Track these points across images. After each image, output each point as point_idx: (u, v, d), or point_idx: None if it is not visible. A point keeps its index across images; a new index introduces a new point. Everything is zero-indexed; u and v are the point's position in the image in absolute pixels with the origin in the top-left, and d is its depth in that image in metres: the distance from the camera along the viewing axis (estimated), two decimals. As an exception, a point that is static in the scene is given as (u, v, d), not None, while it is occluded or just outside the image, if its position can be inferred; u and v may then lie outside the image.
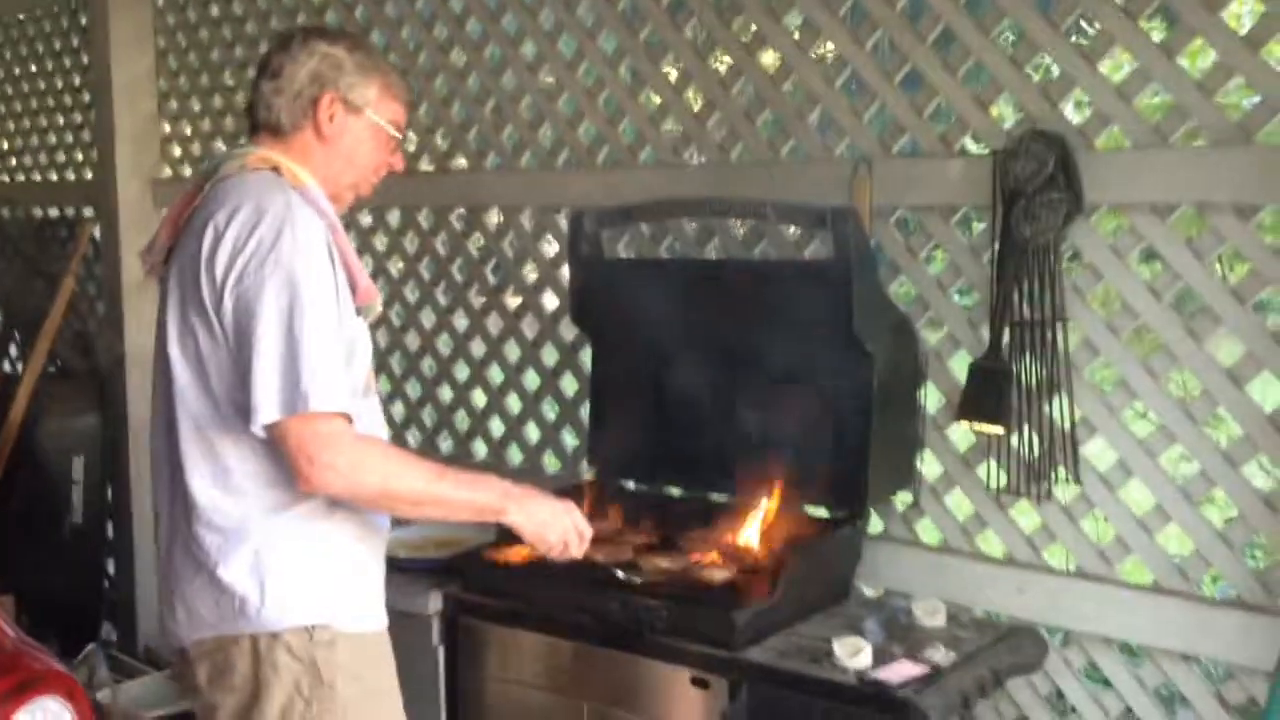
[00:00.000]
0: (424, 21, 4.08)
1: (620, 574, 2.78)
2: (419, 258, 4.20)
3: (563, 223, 3.66)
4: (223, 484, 2.26)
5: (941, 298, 3.01)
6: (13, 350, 5.78)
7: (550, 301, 3.88)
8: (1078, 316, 2.79)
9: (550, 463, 3.92)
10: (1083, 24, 3.04)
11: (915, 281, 3.06)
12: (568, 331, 3.76)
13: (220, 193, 2.28)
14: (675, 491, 3.33)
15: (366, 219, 4.30)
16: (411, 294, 4.25)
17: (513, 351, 3.99)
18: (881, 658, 2.53)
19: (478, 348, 4.08)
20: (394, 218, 4.26)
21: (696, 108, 3.48)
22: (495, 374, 4.05)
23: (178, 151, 5.05)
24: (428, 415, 4.26)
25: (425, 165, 4.14)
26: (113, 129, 4.97)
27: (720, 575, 2.79)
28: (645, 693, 2.74)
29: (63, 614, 4.79)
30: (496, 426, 4.06)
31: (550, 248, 3.89)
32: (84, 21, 5.28)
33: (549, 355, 3.89)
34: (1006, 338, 2.81)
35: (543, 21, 3.76)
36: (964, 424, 2.91)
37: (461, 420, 4.19)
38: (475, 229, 4.05)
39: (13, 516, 4.84)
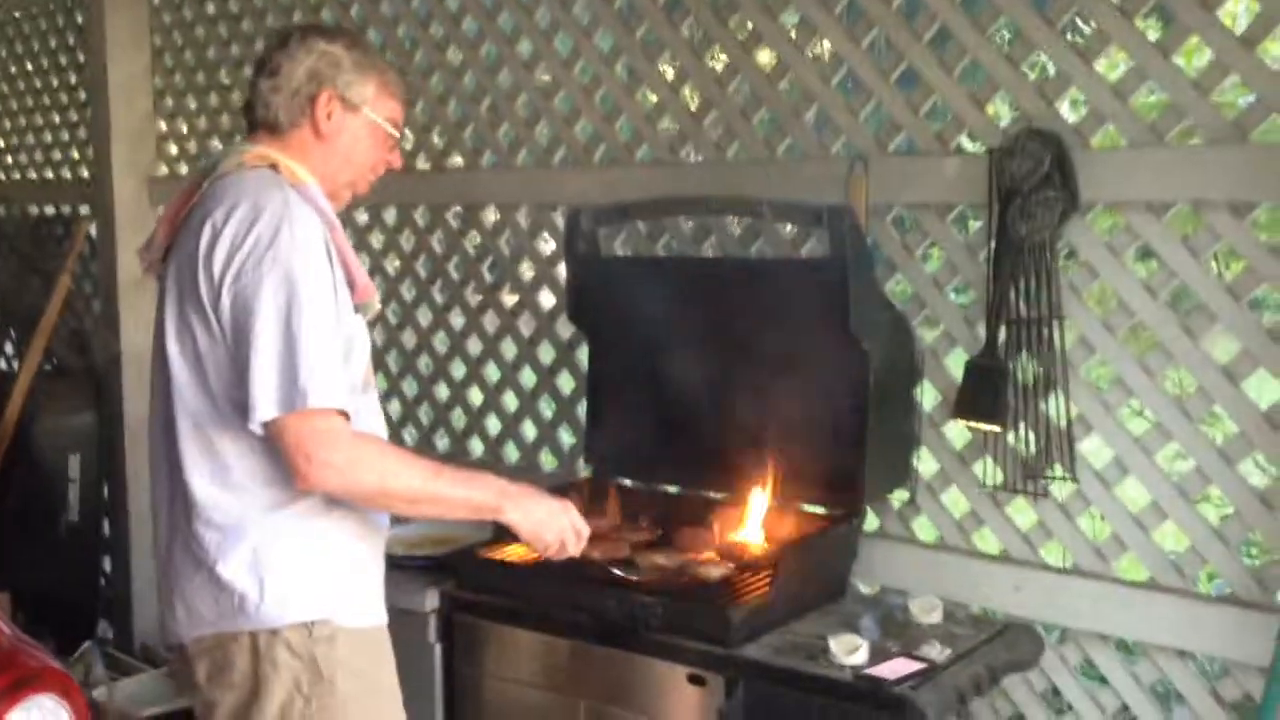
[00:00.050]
0: (420, 20, 4.08)
1: (617, 571, 2.78)
2: (415, 256, 4.20)
3: (559, 221, 3.66)
4: (221, 481, 2.26)
5: (938, 296, 3.02)
6: (9, 348, 5.78)
7: (547, 299, 3.88)
8: (1074, 314, 2.79)
9: (547, 460, 3.92)
10: (1078, 22, 3.04)
11: (911, 279, 3.07)
12: (564, 329, 3.76)
13: (218, 190, 2.28)
14: (672, 489, 3.34)
15: (363, 217, 4.30)
16: (408, 292, 4.25)
17: (509, 349, 3.99)
18: (877, 655, 2.53)
19: (474, 346, 4.08)
20: (390, 216, 4.26)
21: (693, 106, 3.49)
22: (492, 372, 4.05)
23: (174, 150, 5.05)
24: (424, 413, 4.26)
25: (421, 163, 4.14)
26: (108, 127, 4.97)
27: (717, 572, 2.80)
28: (642, 690, 2.74)
29: (59, 612, 4.78)
30: (493, 424, 4.06)
31: (547, 246, 3.89)
32: (80, 20, 5.28)
33: (546, 353, 3.89)
34: (1003, 336, 2.82)
35: (539, 20, 3.76)
36: (960, 421, 2.92)
37: (458, 418, 4.19)
38: (472, 227, 4.05)
39: (9, 514, 4.84)
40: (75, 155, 5.50)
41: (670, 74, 3.57)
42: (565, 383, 3.85)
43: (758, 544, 2.91)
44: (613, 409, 3.35)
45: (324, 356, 2.15)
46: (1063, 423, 2.79)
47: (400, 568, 2.98)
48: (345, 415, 2.17)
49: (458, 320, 4.14)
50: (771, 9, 3.23)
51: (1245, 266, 2.61)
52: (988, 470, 2.90)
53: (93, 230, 5.16)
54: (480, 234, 4.03)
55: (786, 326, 2.94)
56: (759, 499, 2.94)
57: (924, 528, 3.11)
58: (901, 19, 3.00)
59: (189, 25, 4.88)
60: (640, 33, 3.53)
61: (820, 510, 3.01)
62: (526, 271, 3.95)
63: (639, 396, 3.25)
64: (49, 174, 5.70)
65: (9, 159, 5.95)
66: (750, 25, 3.30)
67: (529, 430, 3.96)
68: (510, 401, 4.01)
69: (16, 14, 5.69)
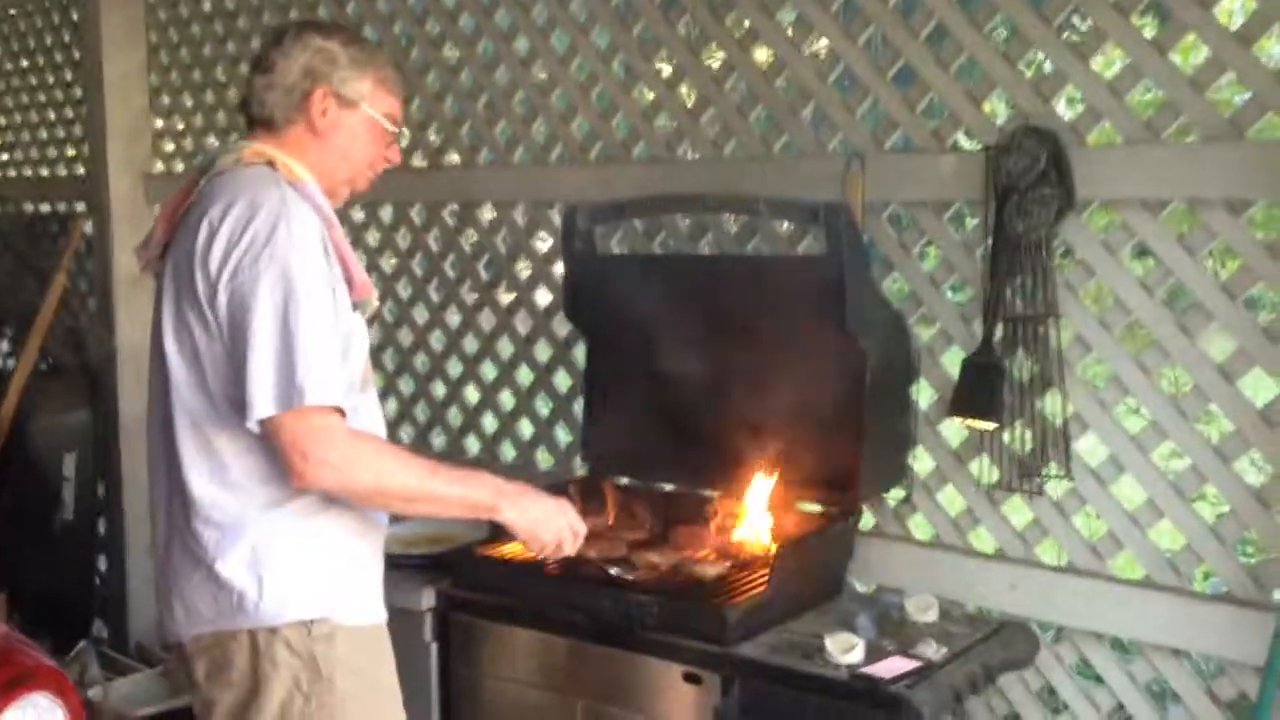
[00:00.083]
0: (416, 17, 4.07)
1: (613, 570, 2.78)
2: (411, 254, 4.20)
3: (556, 218, 3.65)
4: (220, 479, 2.26)
5: (934, 293, 3.02)
6: (4, 346, 5.76)
7: (543, 297, 3.88)
8: (1070, 312, 2.79)
9: (543, 459, 3.92)
10: (1075, 20, 3.03)
11: (908, 277, 3.07)
12: (561, 327, 3.76)
13: (215, 188, 2.28)
14: (668, 487, 3.33)
15: (359, 215, 4.29)
16: (404, 290, 4.24)
17: (506, 347, 3.99)
18: (873, 653, 2.53)
19: (471, 344, 4.08)
20: (387, 213, 4.26)
21: (690, 103, 3.48)
22: (488, 370, 4.05)
23: (170, 147, 5.04)
24: (420, 411, 4.26)
25: (418, 161, 4.14)
26: (104, 124, 4.96)
27: (713, 571, 2.79)
28: (638, 689, 2.74)
29: (54, 611, 4.77)
30: (490, 422, 4.06)
31: (543, 244, 3.89)
32: (75, 17, 5.26)
33: (542, 351, 3.89)
34: (999, 333, 2.82)
35: (536, 17, 3.76)
36: (956, 420, 2.92)
37: (454, 416, 4.18)
38: (468, 225, 4.04)
39: (4, 513, 4.83)
40: (71, 153, 5.49)
41: (667, 71, 3.57)
42: (562, 381, 3.85)
43: (754, 542, 2.91)
44: (609, 407, 3.35)
45: (321, 354, 2.15)
46: (1059, 421, 2.79)
47: (396, 566, 2.97)
48: (342, 413, 2.17)
49: (454, 318, 4.13)
50: (768, 7, 3.23)
51: (1241, 265, 2.61)
52: (984, 469, 2.90)
53: (88, 228, 5.15)
54: (477, 232, 4.03)
55: (783, 324, 2.94)
56: (755, 497, 2.93)
57: (920, 526, 3.11)
58: (898, 16, 3.00)
59: (185, 22, 4.87)
60: (637, 30, 3.53)
61: (816, 508, 3.01)
62: (523, 269, 3.94)
63: (635, 394, 3.25)
64: (44, 172, 5.68)
65: (4, 156, 5.93)
66: (747, 23, 3.30)
67: (525, 428, 3.96)
68: (507, 399, 4.01)
69: (12, 11, 5.68)
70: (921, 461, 3.07)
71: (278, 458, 2.17)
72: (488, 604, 2.95)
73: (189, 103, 4.91)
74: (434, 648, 3.04)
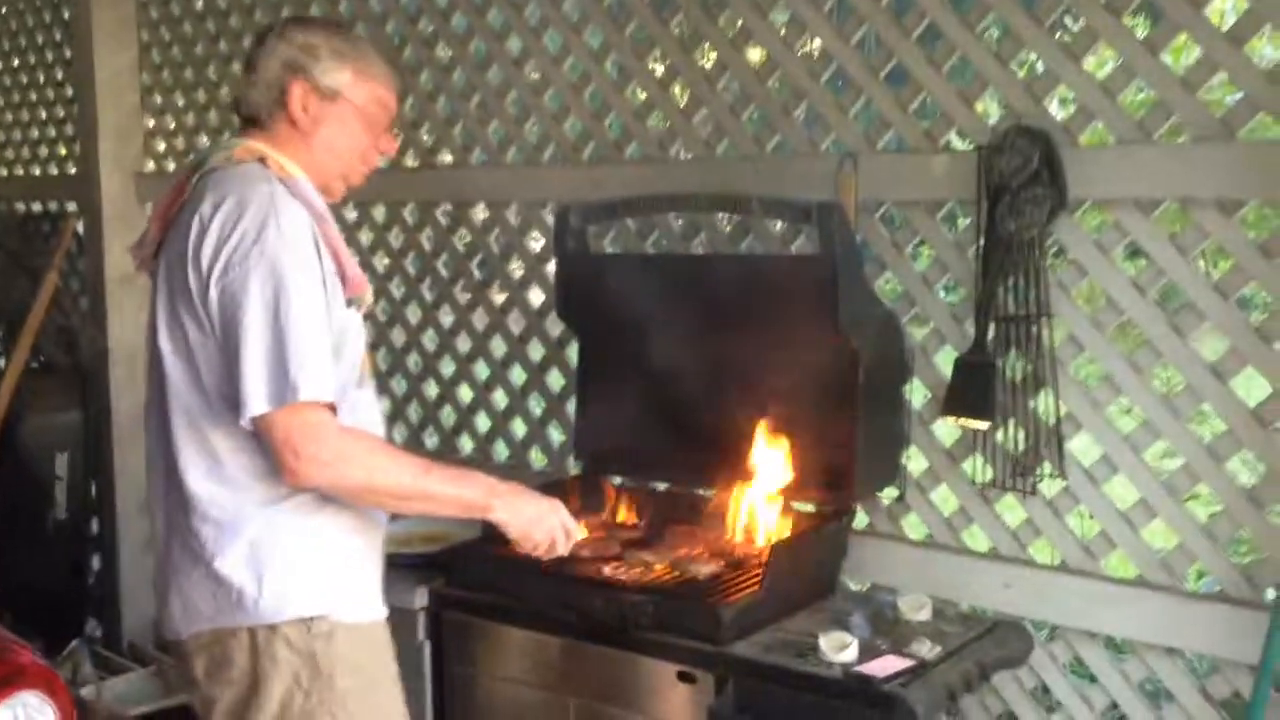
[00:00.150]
0: (409, 16, 4.06)
1: (606, 569, 2.78)
2: (404, 253, 4.19)
3: (549, 218, 3.65)
4: (216, 476, 2.26)
5: (927, 293, 3.02)
6: (-4, 345, 5.75)
7: (536, 297, 3.88)
8: (1062, 312, 2.79)
9: (537, 458, 3.92)
10: (1067, 21, 3.04)
11: (901, 277, 3.07)
12: (554, 327, 3.76)
13: (206, 185, 2.28)
14: (661, 486, 3.33)
15: (352, 214, 4.29)
16: (397, 289, 4.24)
17: (499, 347, 3.99)
18: (867, 652, 2.53)
19: (463, 343, 4.07)
20: (379, 213, 4.25)
21: (682, 103, 3.48)
22: (481, 369, 4.04)
23: (161, 146, 5.03)
24: (413, 411, 4.26)
25: (410, 160, 4.13)
26: (96, 123, 4.94)
27: (706, 570, 2.80)
28: (632, 688, 2.74)
29: (47, 610, 4.77)
30: (483, 422, 4.06)
31: (536, 243, 3.89)
32: (66, 15, 5.25)
33: (535, 351, 3.89)
34: (992, 333, 2.82)
35: (528, 16, 3.75)
36: (949, 419, 2.92)
37: (447, 416, 4.18)
38: (461, 224, 4.04)
39: (-4, 513, 4.83)
40: (62, 152, 5.48)
41: (660, 71, 3.57)
42: (555, 380, 3.85)
43: (747, 541, 2.91)
44: (602, 406, 3.34)
45: (313, 350, 2.15)
46: (1051, 420, 2.79)
47: (390, 565, 2.95)
48: (334, 409, 2.17)
49: (447, 318, 4.13)
50: (761, 6, 3.23)
51: (1233, 264, 2.61)
52: (977, 468, 2.91)
53: (80, 227, 5.13)
54: (469, 231, 4.03)
55: (776, 324, 2.94)
56: (748, 496, 2.93)
57: (913, 525, 3.12)
58: (891, 16, 3.00)
59: (176, 21, 4.86)
60: (629, 30, 3.53)
61: (810, 507, 3.01)
62: (516, 269, 3.94)
63: (628, 394, 3.24)
64: (36, 171, 5.67)
65: (-5, 155, 5.93)
66: (739, 22, 3.30)
67: (518, 428, 3.96)
68: (500, 399, 4.01)
69: (2, 9, 5.66)
70: (915, 461, 3.07)
71: (270, 454, 2.18)
72: (481, 603, 2.95)
73: (181, 101, 4.90)
74: (427, 647, 3.04)
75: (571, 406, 3.57)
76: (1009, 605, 2.88)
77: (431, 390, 4.20)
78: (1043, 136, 2.70)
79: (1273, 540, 2.59)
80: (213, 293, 2.18)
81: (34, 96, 5.60)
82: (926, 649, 2.54)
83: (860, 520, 3.09)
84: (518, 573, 2.85)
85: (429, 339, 4.19)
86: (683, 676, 2.65)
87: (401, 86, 2.49)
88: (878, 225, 3.08)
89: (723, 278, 3.13)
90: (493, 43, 3.84)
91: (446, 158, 4.05)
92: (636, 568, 2.83)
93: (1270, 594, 2.58)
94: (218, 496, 2.26)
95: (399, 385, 4.29)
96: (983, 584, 2.92)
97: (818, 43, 3.21)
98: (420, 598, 3.02)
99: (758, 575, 2.72)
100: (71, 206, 5.29)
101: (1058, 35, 2.83)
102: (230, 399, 2.18)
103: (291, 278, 2.16)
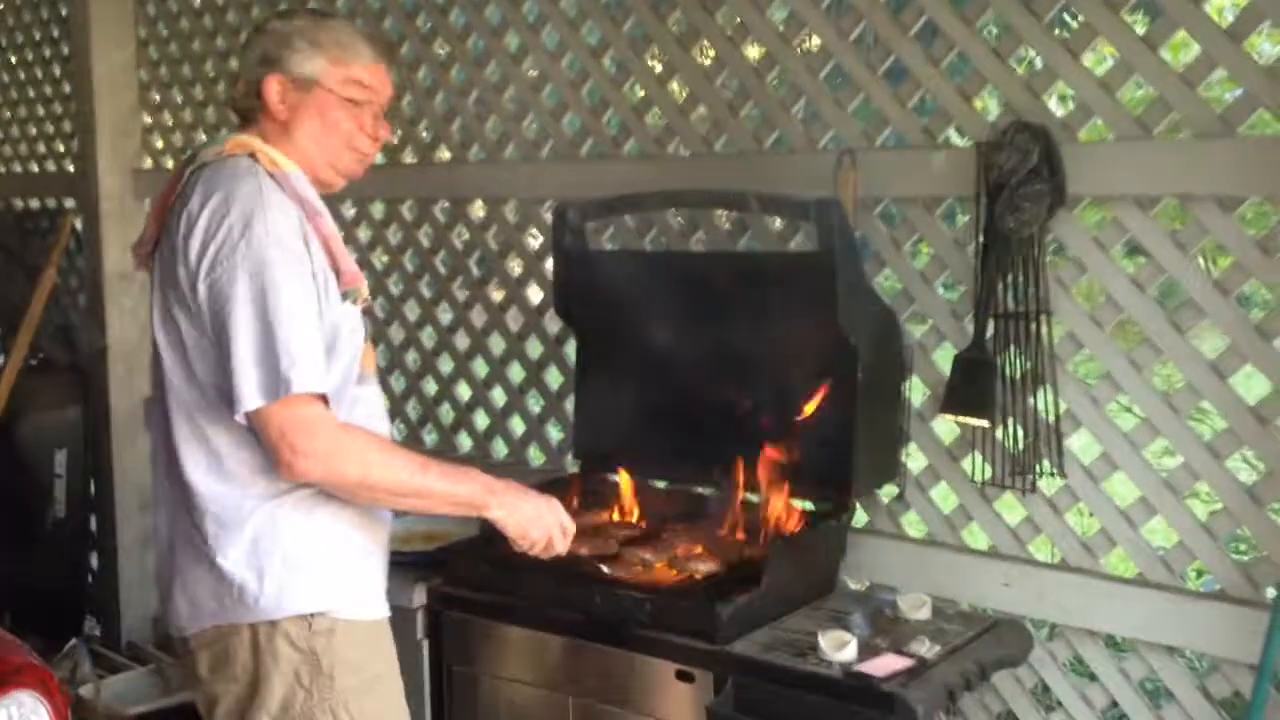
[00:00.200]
0: (407, 12, 4.06)
1: (605, 568, 2.77)
2: (402, 250, 4.19)
3: (547, 215, 3.65)
4: (216, 471, 2.26)
5: (926, 290, 3.01)
6: (-6, 343, 5.75)
7: (535, 294, 3.87)
8: (1061, 309, 2.79)
9: (535, 456, 3.92)
10: (1066, 17, 3.04)
11: (900, 274, 3.06)
12: (553, 324, 3.75)
13: (197, 182, 2.28)
14: (660, 484, 3.33)
15: (350, 211, 4.28)
16: (395, 287, 4.23)
17: (497, 344, 3.98)
18: (867, 651, 2.52)
19: (462, 340, 4.07)
20: (377, 210, 4.25)
21: (681, 100, 3.47)
22: (480, 367, 4.04)
23: (159, 142, 5.03)
24: (412, 408, 4.25)
25: (409, 157, 4.13)
26: (93, 120, 4.94)
27: (705, 568, 2.79)
28: (630, 686, 2.73)
29: (45, 609, 4.77)
30: (481, 419, 4.06)
31: (534, 240, 3.88)
32: (64, 12, 5.25)
33: (534, 348, 3.88)
34: (991, 330, 2.82)
35: (526, 13, 3.75)
36: (949, 417, 2.91)
37: (446, 413, 4.18)
38: (459, 221, 4.03)
39: (-5, 510, 4.82)
40: (60, 149, 5.48)
41: (658, 68, 3.56)
42: (553, 378, 3.84)
43: (746, 540, 2.90)
44: (601, 404, 3.34)
45: (303, 343, 2.14)
46: (1051, 418, 2.79)
47: (389, 563, 2.96)
48: (327, 402, 2.17)
49: (445, 315, 4.13)
50: (759, 3, 3.22)
51: (1233, 261, 2.61)
52: (976, 466, 2.90)
53: (78, 224, 5.13)
54: (468, 228, 4.02)
55: (775, 321, 2.93)
56: (747, 494, 2.93)
57: (913, 523, 3.11)
58: (889, 13, 2.99)
59: (174, 17, 4.85)
60: (628, 26, 3.52)
61: (809, 506, 3.00)
62: (515, 266, 3.93)
63: (627, 391, 3.24)
64: (34, 167, 5.66)
65: (-7, 152, 5.92)
66: (738, 19, 3.29)
67: (517, 425, 3.95)
68: (498, 396, 4.01)
69: (0, 6, 5.65)
70: (914, 458, 3.06)
71: (267, 449, 2.17)
72: (480, 601, 2.94)
73: (179, 98, 4.90)
74: (426, 645, 3.04)
75: (570, 404, 3.56)
76: (1009, 604, 2.87)
77: (430, 388, 4.19)
78: (1042, 133, 2.69)
79: (1273, 538, 2.59)
80: (201, 289, 2.18)
81: (32, 93, 5.59)
82: (926, 648, 2.54)
83: (859, 518, 3.08)
84: (516, 571, 2.85)
85: (427, 336, 4.18)
86: (681, 675, 2.64)
87: (392, 67, 2.45)
88: (876, 222, 3.07)
89: (721, 275, 3.12)
90: (490, 39, 3.84)
91: (444, 154, 4.05)
92: (635, 566, 2.83)
93: (1271, 593, 2.57)
94: (218, 492, 2.26)
95: (397, 382, 4.29)
96: (982, 582, 2.91)
97: (816, 39, 3.21)
98: (419, 596, 3.02)
99: (756, 574, 2.71)
100: (69, 203, 5.29)
101: (1057, 31, 2.82)
102: (225, 393, 2.18)
103: (278, 272, 2.15)
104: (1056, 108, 2.86)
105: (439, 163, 4.06)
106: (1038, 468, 2.82)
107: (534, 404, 3.92)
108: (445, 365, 4.14)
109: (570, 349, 3.63)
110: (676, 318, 3.06)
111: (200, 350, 2.23)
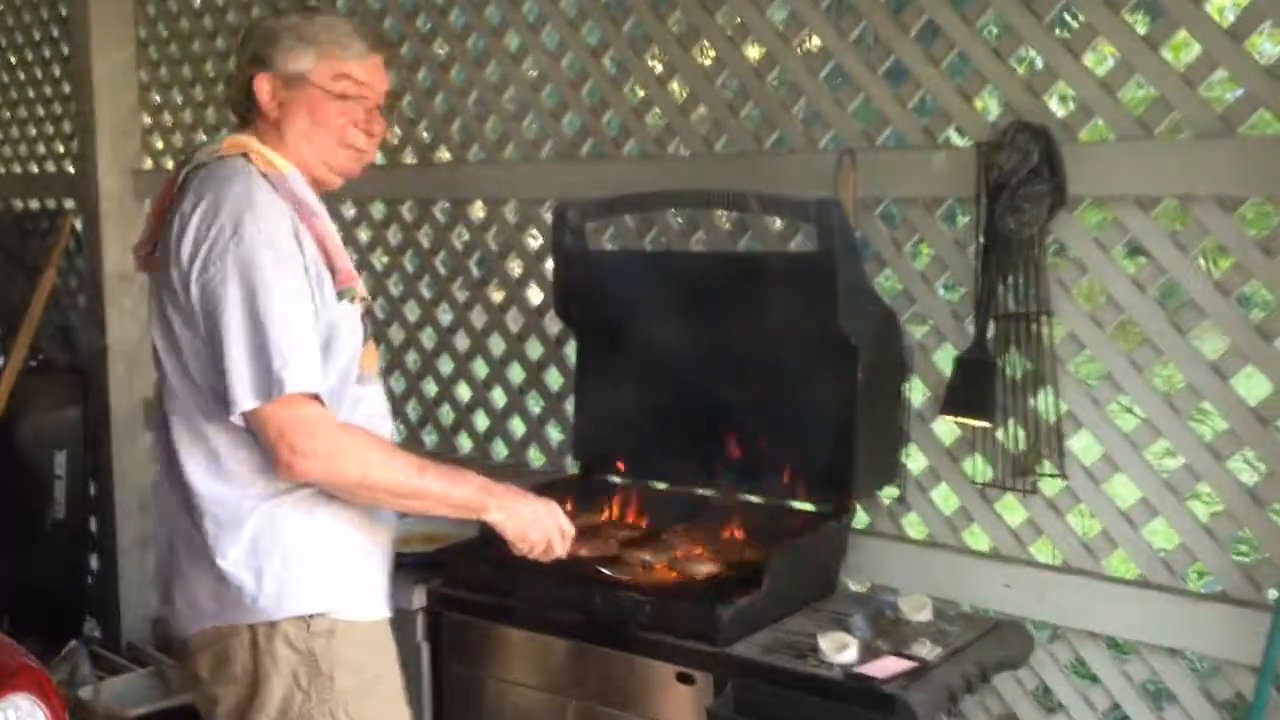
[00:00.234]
0: (406, 12, 4.05)
1: (605, 569, 2.77)
2: (402, 251, 4.18)
3: (547, 215, 3.64)
4: (215, 472, 2.26)
5: (926, 291, 3.00)
6: (-6, 344, 5.75)
7: (535, 295, 3.87)
8: (1062, 310, 2.78)
9: (535, 457, 3.91)
10: (1066, 17, 3.03)
11: (900, 275, 3.05)
12: (553, 325, 3.75)
13: (192, 182, 2.28)
14: (660, 485, 3.32)
15: (350, 211, 4.28)
16: (395, 287, 4.23)
17: (497, 345, 3.97)
18: (868, 653, 2.52)
19: (462, 341, 4.06)
20: (377, 210, 4.24)
21: (681, 100, 3.47)
22: (480, 368, 4.03)
23: (159, 143, 5.02)
24: (411, 409, 4.24)
25: (409, 158, 4.12)
26: (93, 120, 4.94)
27: (705, 570, 2.78)
28: (630, 689, 2.73)
29: (45, 610, 4.77)
30: (481, 421, 4.05)
31: (535, 240, 3.88)
32: (64, 12, 5.24)
33: (534, 349, 3.88)
34: (991, 331, 2.81)
35: (526, 13, 3.74)
36: (949, 418, 2.90)
37: (446, 415, 4.17)
38: (459, 222, 4.03)
39: (-5, 511, 4.82)
40: (60, 149, 5.47)
41: (658, 68, 3.55)
42: (553, 379, 3.83)
43: (746, 541, 2.89)
44: (601, 405, 3.33)
45: (296, 343, 2.14)
46: (1051, 419, 2.78)
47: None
48: (321, 401, 2.16)
49: (445, 316, 4.12)
50: (759, 3, 3.21)
51: (1234, 262, 2.60)
52: (977, 467, 2.89)
53: (78, 225, 5.13)
54: (468, 229, 4.01)
55: (775, 322, 2.93)
56: (746, 495, 2.92)
57: (914, 525, 3.10)
58: (889, 13, 2.99)
59: (174, 17, 4.85)
60: (628, 26, 3.51)
61: (809, 507, 3.00)
62: (515, 267, 3.93)
63: (627, 392, 3.23)
64: (33, 168, 5.66)
65: (-7, 153, 5.92)
66: (738, 19, 3.29)
67: (517, 426, 3.95)
68: (499, 397, 4.00)
69: (0, 7, 5.65)
70: (915, 460, 3.06)
71: (265, 449, 2.17)
72: (480, 603, 2.94)
73: (178, 99, 4.89)
74: (425, 647, 3.03)
75: (570, 405, 3.56)
76: (1010, 605, 2.87)
77: (430, 389, 4.18)
78: (1042, 133, 2.69)
79: (1275, 540, 2.58)
80: (193, 290, 2.19)
81: (31, 94, 5.58)
82: (927, 650, 2.53)
83: (860, 520, 3.08)
84: (516, 573, 2.84)
85: (427, 337, 4.17)
86: (681, 677, 2.64)
87: (389, 61, 2.44)
88: (877, 222, 3.07)
89: (722, 275, 3.12)
90: (491, 39, 3.83)
91: (444, 155, 4.04)
92: (635, 567, 2.82)
93: (1272, 594, 2.56)
94: (217, 492, 2.26)
95: (397, 383, 4.28)
96: (983, 584, 2.91)
97: (816, 39, 3.20)
98: (419, 598, 3.01)
99: (757, 575, 2.70)
100: (69, 204, 5.28)
101: (1057, 31, 2.82)
102: (221, 394, 2.18)
103: (269, 273, 2.15)
104: (1057, 108, 2.85)
105: (439, 163, 4.05)
106: (1039, 469, 2.81)
107: (534, 405, 3.91)
108: (445, 366, 4.14)
109: (570, 350, 3.62)
110: (677, 318, 3.05)
111: (195, 351, 2.23)
